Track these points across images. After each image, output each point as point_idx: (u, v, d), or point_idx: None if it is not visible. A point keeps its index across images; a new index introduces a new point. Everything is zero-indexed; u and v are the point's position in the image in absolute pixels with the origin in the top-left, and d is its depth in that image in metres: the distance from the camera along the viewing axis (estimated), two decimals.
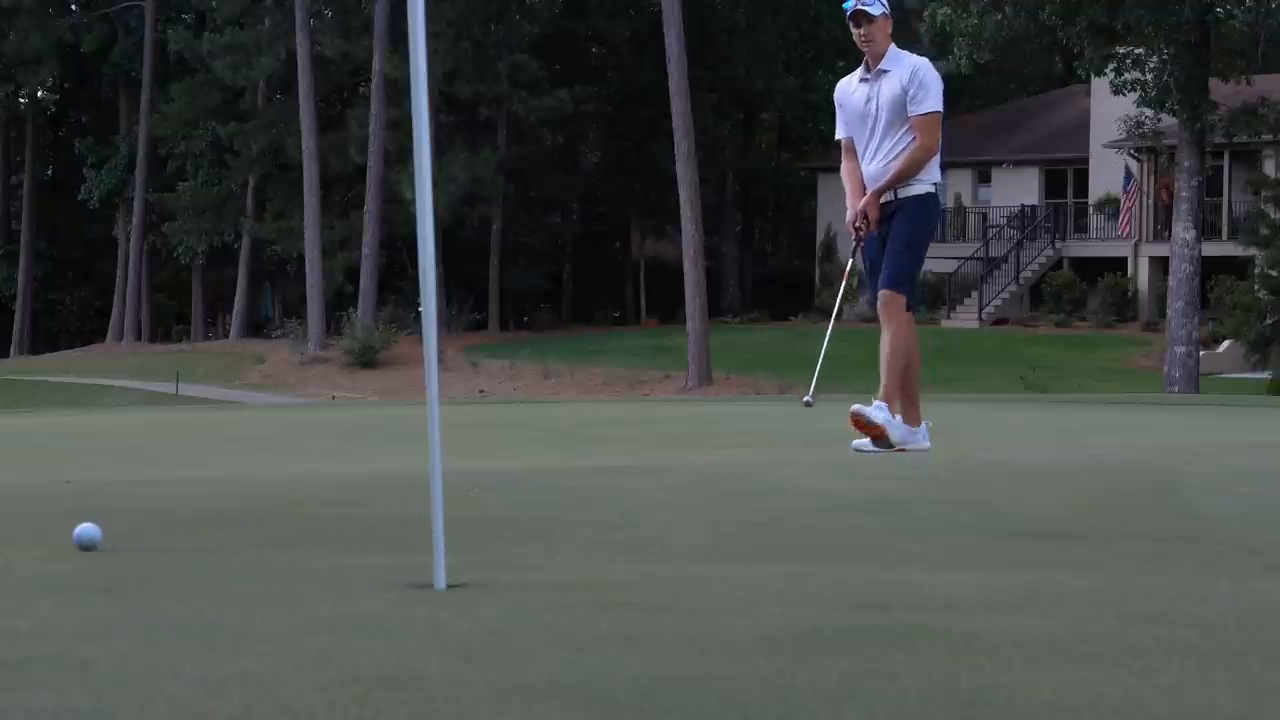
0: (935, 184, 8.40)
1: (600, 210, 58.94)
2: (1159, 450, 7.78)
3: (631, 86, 56.39)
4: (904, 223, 8.27)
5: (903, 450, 7.77)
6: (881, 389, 8.04)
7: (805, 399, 8.93)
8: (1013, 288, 48.35)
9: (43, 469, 7.70)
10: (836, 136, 8.62)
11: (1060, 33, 35.94)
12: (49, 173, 69.41)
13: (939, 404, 17.13)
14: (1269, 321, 34.85)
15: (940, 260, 50.40)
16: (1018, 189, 50.37)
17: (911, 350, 8.26)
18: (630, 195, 57.23)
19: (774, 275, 60.31)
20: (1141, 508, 4.89)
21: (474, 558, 3.46)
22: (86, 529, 3.69)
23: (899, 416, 7.95)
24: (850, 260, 9.02)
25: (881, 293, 8.24)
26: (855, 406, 7.90)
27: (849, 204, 8.46)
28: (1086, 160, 48.66)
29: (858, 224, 8.37)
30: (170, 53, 58.44)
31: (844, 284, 9.75)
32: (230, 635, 2.55)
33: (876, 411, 7.88)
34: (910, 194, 8.30)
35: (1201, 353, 36.22)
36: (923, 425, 8.10)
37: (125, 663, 2.28)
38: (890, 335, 8.20)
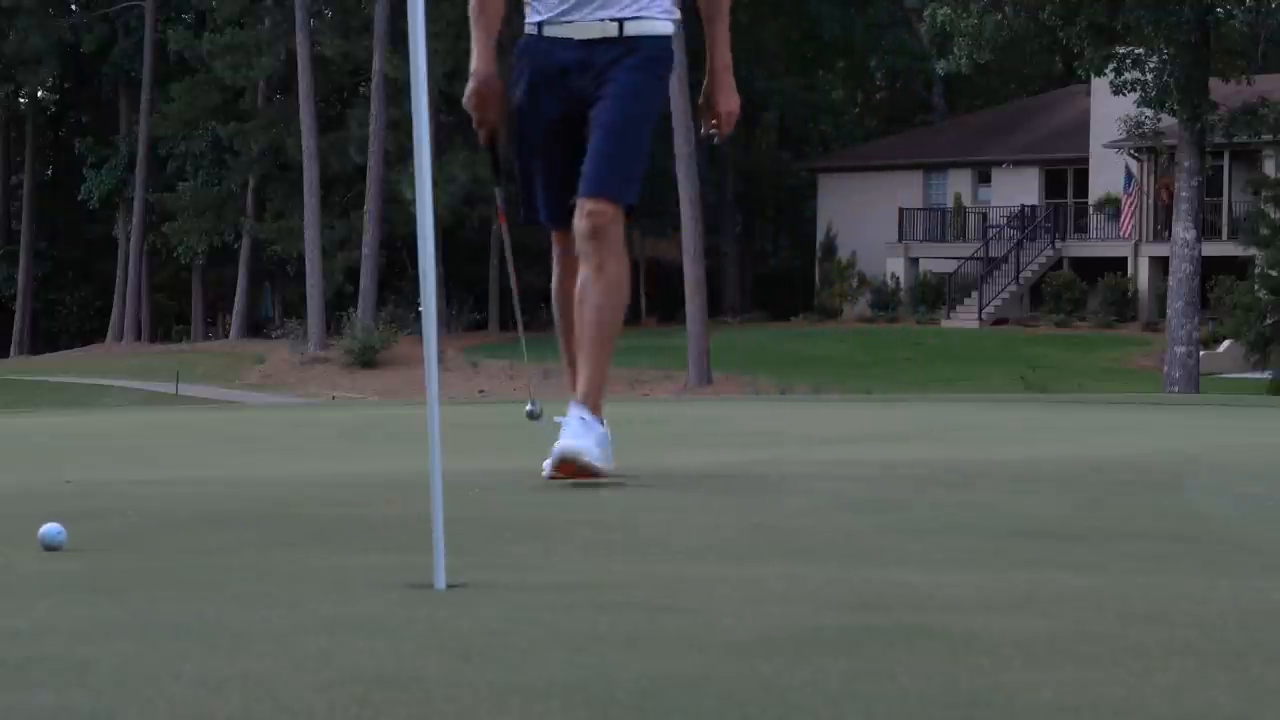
0: (677, 20, 5.37)
1: None
2: (1159, 450, 7.78)
3: None
4: (637, 79, 5.16)
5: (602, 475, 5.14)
6: (584, 381, 5.24)
7: (529, 408, 5.73)
8: (1013, 288, 48.39)
9: (43, 469, 7.70)
10: None
11: (1060, 33, 35.96)
12: (49, 173, 69.44)
13: (939, 404, 17.12)
14: (1269, 321, 34.87)
15: (940, 260, 50.46)
16: (1018, 189, 50.41)
17: (624, 307, 5.30)
18: None
19: (774, 275, 60.33)
20: (1141, 508, 4.89)
21: (474, 558, 3.46)
22: (50, 529, 3.68)
23: (603, 424, 5.24)
24: (498, 189, 5.44)
25: (592, 205, 5.12)
26: (566, 447, 5.10)
27: (476, 50, 5.28)
28: (1086, 160, 48.71)
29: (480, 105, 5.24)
30: (170, 53, 58.46)
31: (508, 255, 5.96)
32: (230, 635, 2.55)
33: (586, 440, 5.10)
34: (650, 31, 5.21)
35: (1201, 353, 36.24)
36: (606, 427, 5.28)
37: (125, 663, 2.28)
38: (604, 284, 5.19)
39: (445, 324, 46.71)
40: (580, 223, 5.16)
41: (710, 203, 52.70)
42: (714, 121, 5.41)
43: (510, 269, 5.40)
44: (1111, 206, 47.62)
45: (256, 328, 59.26)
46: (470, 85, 5.22)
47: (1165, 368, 35.62)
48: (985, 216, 50.67)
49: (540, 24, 5.25)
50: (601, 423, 5.20)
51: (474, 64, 5.26)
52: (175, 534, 4.15)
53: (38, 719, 1.95)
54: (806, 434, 10.25)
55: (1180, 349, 35.03)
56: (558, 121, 5.24)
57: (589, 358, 5.26)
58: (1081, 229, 49.19)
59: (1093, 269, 47.13)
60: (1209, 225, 41.68)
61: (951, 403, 17.22)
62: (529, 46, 5.28)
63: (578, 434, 5.10)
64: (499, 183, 5.30)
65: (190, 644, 2.44)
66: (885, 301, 50.44)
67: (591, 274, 5.21)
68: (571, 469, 5.06)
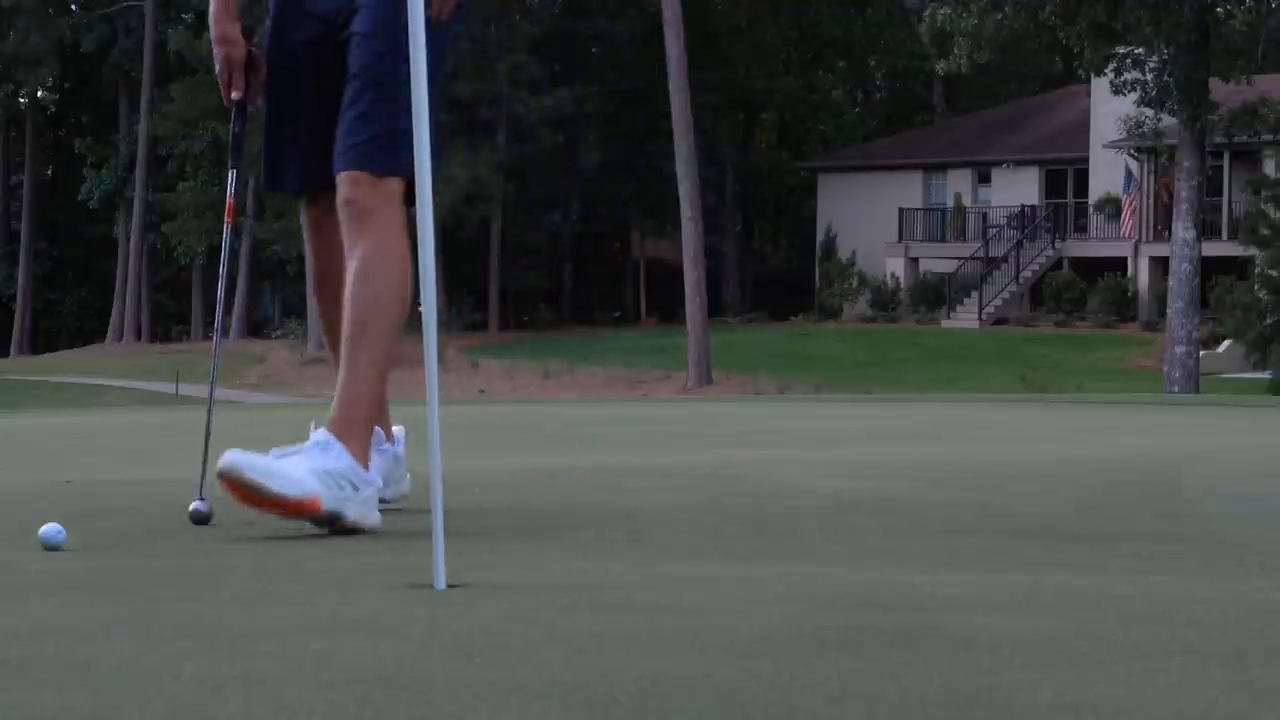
0: None
1: (600, 210, 58.96)
2: (1159, 450, 7.78)
3: (631, 86, 56.39)
4: (388, 6, 4.04)
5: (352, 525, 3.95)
6: (336, 396, 4.07)
7: (194, 504, 4.16)
8: (1013, 288, 48.37)
9: (43, 469, 7.70)
10: None
11: (1060, 33, 35.94)
12: (49, 173, 69.43)
13: (939, 404, 17.13)
14: (1269, 321, 34.85)
15: (940, 260, 50.45)
16: (1018, 189, 50.41)
17: (403, 311, 4.12)
18: (630, 195, 57.27)
19: (774, 275, 60.36)
20: (1141, 508, 4.90)
21: (474, 558, 3.46)
22: (50, 529, 3.69)
23: (360, 455, 4.01)
24: (233, 170, 4.41)
25: (347, 183, 4.09)
26: (231, 462, 3.87)
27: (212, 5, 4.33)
28: (1086, 160, 48.70)
29: (235, 53, 4.28)
30: (170, 53, 58.43)
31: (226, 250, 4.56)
32: (230, 635, 2.55)
33: (298, 468, 3.90)
34: None
35: (1201, 353, 36.21)
36: (375, 472, 4.07)
37: (125, 663, 2.28)
38: (355, 271, 4.08)
39: (445, 324, 46.75)
40: (339, 206, 4.11)
41: (710, 203, 52.70)
42: None
43: (222, 275, 4.33)
44: (1111, 206, 47.60)
45: (256, 328, 59.26)
46: (214, 47, 4.29)
47: (1165, 368, 35.60)
48: (985, 216, 50.65)
49: None
50: (348, 451, 3.96)
51: (210, 18, 4.33)
52: (175, 534, 4.15)
53: (38, 719, 1.95)
54: (806, 434, 10.26)
55: (1180, 349, 35.01)
56: (307, 52, 4.24)
57: (343, 366, 4.10)
58: (1081, 229, 49.17)
59: (1093, 269, 47.11)
60: (1209, 225, 41.65)
61: (951, 403, 17.22)
62: None
63: (290, 461, 3.92)
64: (235, 163, 4.36)
65: (190, 644, 2.44)
66: (885, 301, 50.44)
67: (349, 264, 4.12)
68: (238, 491, 3.88)
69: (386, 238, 4.05)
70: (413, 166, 3.79)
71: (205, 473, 4.09)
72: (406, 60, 3.79)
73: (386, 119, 4.05)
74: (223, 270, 4.44)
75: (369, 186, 4.06)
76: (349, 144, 4.08)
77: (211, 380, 4.34)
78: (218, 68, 4.29)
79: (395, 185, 4.07)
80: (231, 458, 3.86)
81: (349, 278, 4.08)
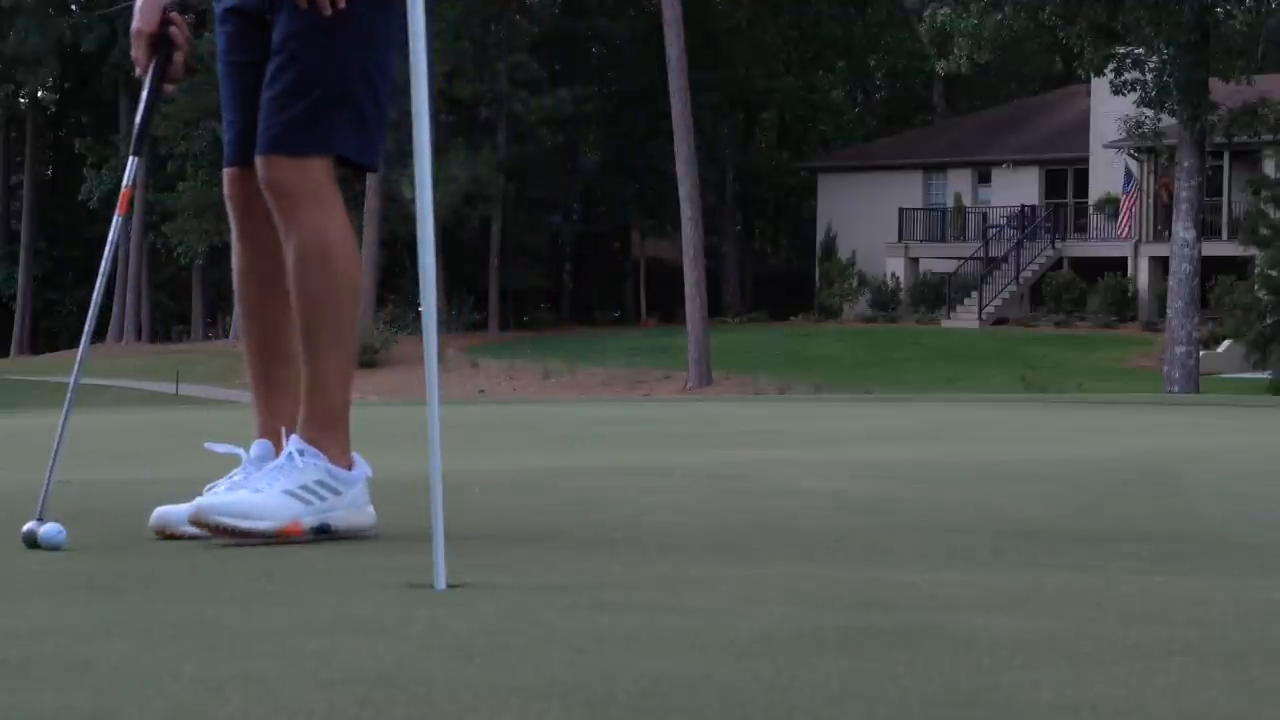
0: None
1: (600, 210, 58.97)
2: (1159, 450, 7.78)
3: (631, 86, 56.38)
4: None
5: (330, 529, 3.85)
6: (307, 403, 3.94)
7: (30, 527, 3.73)
8: (1013, 288, 48.36)
9: (43, 469, 7.69)
10: None
11: (1060, 33, 35.95)
12: (49, 173, 69.41)
13: (939, 404, 17.13)
14: (1269, 321, 34.83)
15: (940, 260, 50.45)
16: (1018, 189, 50.40)
17: (354, 294, 3.97)
18: (630, 195, 57.26)
19: (774, 275, 60.35)
20: (1141, 508, 4.90)
21: (474, 558, 3.46)
22: (50, 529, 3.70)
23: (335, 459, 3.90)
24: (134, 158, 3.96)
25: (263, 166, 3.88)
26: (200, 508, 3.76)
27: None
28: (1086, 160, 48.69)
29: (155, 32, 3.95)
30: None
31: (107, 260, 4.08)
32: (230, 635, 2.55)
33: (264, 492, 3.79)
34: None
35: (1201, 353, 36.21)
36: (360, 464, 3.95)
37: (125, 663, 2.28)
38: (293, 262, 3.87)
39: (445, 324, 46.71)
40: (262, 189, 3.90)
41: (710, 203, 52.69)
42: None
43: (104, 268, 4.06)
44: (1111, 206, 47.59)
45: None
46: (137, 24, 3.98)
47: (1165, 368, 35.60)
48: (985, 216, 50.63)
49: None
50: (322, 455, 3.87)
51: None
52: None
53: (38, 719, 1.95)
54: (806, 434, 10.25)
55: (1180, 349, 35.00)
56: (234, 22, 4.01)
57: (304, 365, 3.92)
58: (1081, 229, 49.16)
59: (1093, 269, 47.10)
60: (1209, 225, 41.65)
61: (951, 403, 17.22)
62: None
63: (257, 484, 3.83)
64: (136, 149, 3.97)
65: (190, 644, 2.44)
66: (885, 301, 50.43)
67: (286, 254, 3.90)
68: (212, 532, 3.77)
69: (321, 222, 3.87)
70: (338, 142, 3.92)
71: (48, 490, 3.86)
72: (333, 32, 3.84)
73: (306, 97, 3.85)
74: (104, 268, 4.08)
75: (288, 169, 3.86)
76: (265, 125, 3.87)
77: (71, 392, 4.08)
78: (146, 29, 3.97)
79: (319, 165, 3.88)
80: (199, 504, 3.78)
81: (289, 270, 3.89)
